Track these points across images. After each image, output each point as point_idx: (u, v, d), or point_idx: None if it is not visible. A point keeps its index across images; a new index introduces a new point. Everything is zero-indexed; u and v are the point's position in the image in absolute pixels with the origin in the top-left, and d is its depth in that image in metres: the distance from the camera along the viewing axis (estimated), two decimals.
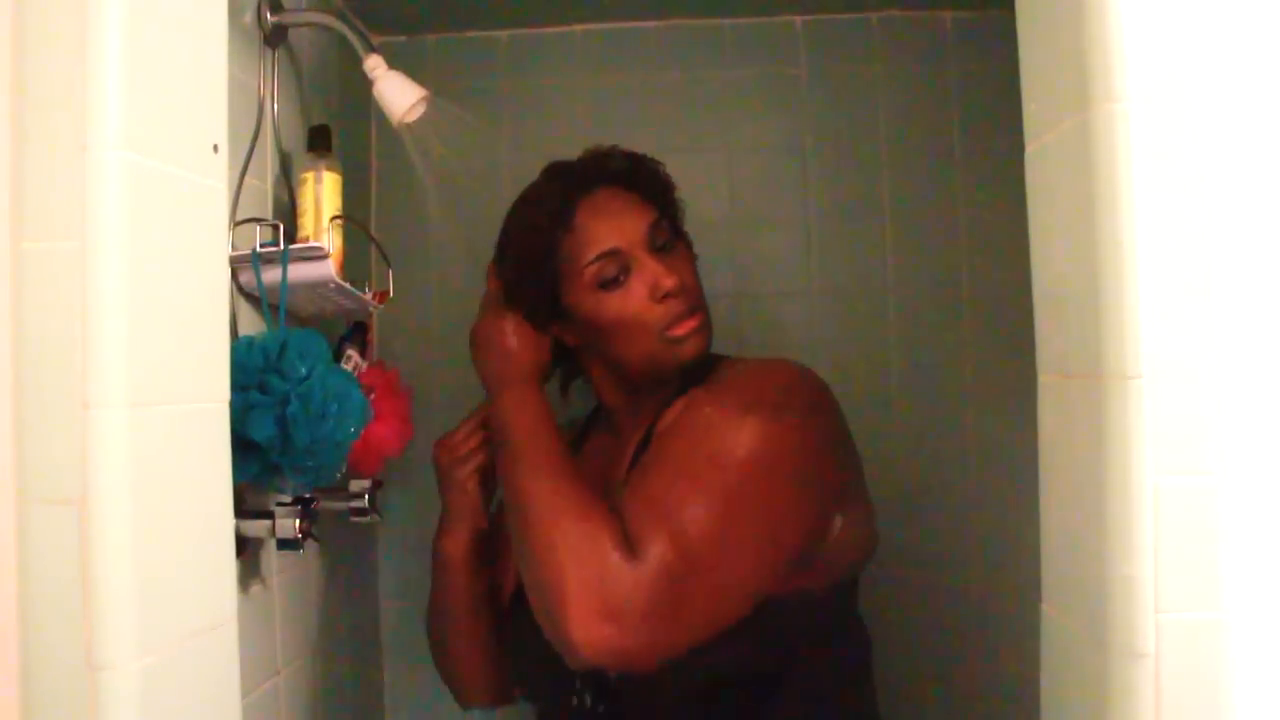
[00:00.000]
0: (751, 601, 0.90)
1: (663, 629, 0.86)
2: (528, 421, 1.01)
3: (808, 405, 0.97)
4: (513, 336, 1.07)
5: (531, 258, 1.06)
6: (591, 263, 1.02)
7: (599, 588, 0.85)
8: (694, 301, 1.02)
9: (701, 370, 1.04)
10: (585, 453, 1.17)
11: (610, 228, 1.03)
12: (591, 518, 0.89)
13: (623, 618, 0.85)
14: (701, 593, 0.87)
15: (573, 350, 1.11)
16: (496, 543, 1.15)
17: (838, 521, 0.97)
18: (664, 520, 0.87)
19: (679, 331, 1.01)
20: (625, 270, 1.02)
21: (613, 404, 1.13)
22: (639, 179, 1.08)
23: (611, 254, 1.02)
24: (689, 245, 1.11)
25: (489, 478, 1.13)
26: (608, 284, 1.02)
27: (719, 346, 1.10)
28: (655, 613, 0.85)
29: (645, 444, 1.02)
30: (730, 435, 0.91)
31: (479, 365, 1.09)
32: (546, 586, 0.89)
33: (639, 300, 1.01)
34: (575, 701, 1.03)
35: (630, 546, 0.86)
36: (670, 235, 1.05)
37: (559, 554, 0.88)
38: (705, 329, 1.03)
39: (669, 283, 1.00)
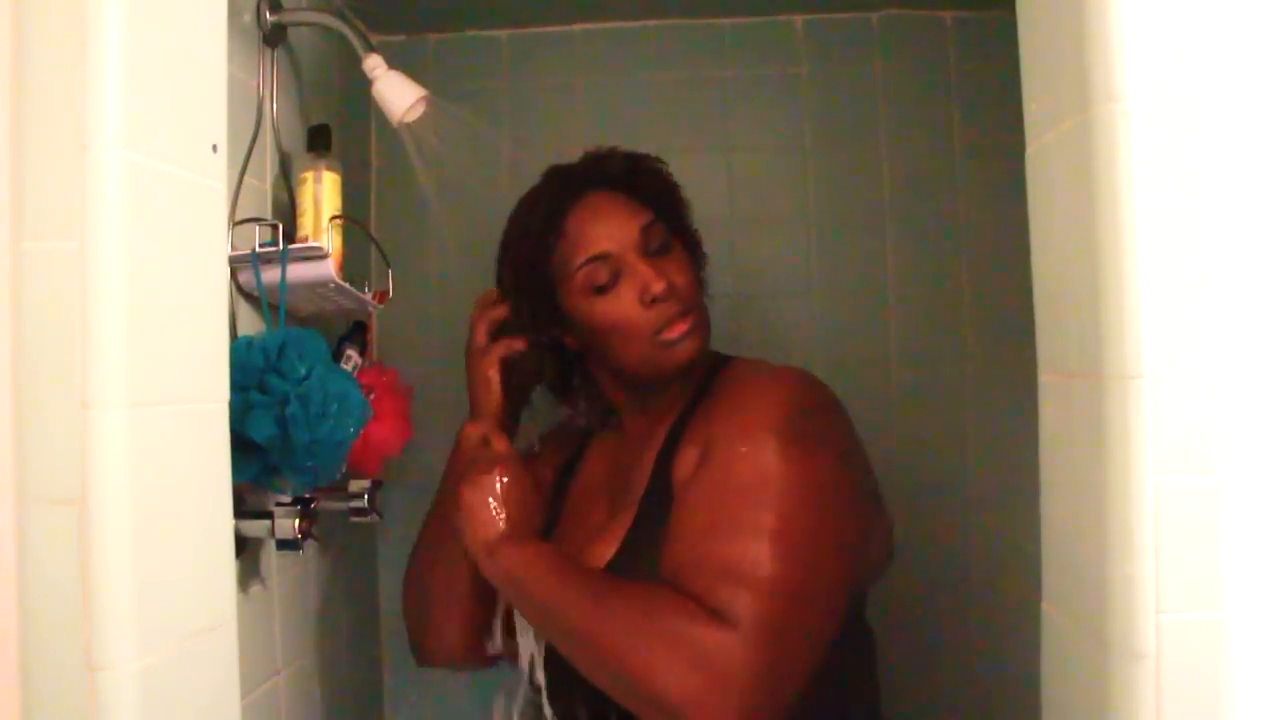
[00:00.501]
0: (840, 617, 0.90)
1: (778, 681, 0.84)
2: (549, 564, 0.97)
3: (827, 424, 0.97)
4: (515, 498, 1.02)
5: (527, 262, 1.07)
6: (581, 267, 1.02)
7: (707, 669, 0.82)
8: (686, 304, 1.02)
9: (709, 372, 1.04)
10: (590, 457, 1.16)
11: (600, 232, 1.03)
12: (663, 610, 0.86)
13: (741, 686, 0.82)
14: (798, 636, 0.86)
15: (575, 352, 1.11)
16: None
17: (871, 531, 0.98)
18: (736, 578, 0.85)
19: (671, 335, 1.01)
20: (616, 275, 1.02)
21: (619, 403, 1.13)
22: (635, 181, 1.08)
23: (601, 258, 1.02)
24: (694, 245, 1.11)
25: (507, 367, 1.12)
26: (599, 288, 1.02)
27: (719, 346, 1.11)
28: (767, 670, 0.83)
29: (661, 462, 1.01)
30: (768, 477, 0.90)
31: (470, 530, 1.01)
32: (656, 694, 0.84)
33: (629, 304, 1.01)
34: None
35: (711, 614, 0.84)
36: (665, 237, 1.05)
37: (653, 658, 0.85)
38: (698, 330, 1.02)
39: (658, 287, 1.00)
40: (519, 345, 1.11)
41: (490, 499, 1.01)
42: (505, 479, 1.02)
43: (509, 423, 1.15)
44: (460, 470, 1.07)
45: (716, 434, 0.96)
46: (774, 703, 0.84)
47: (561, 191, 1.07)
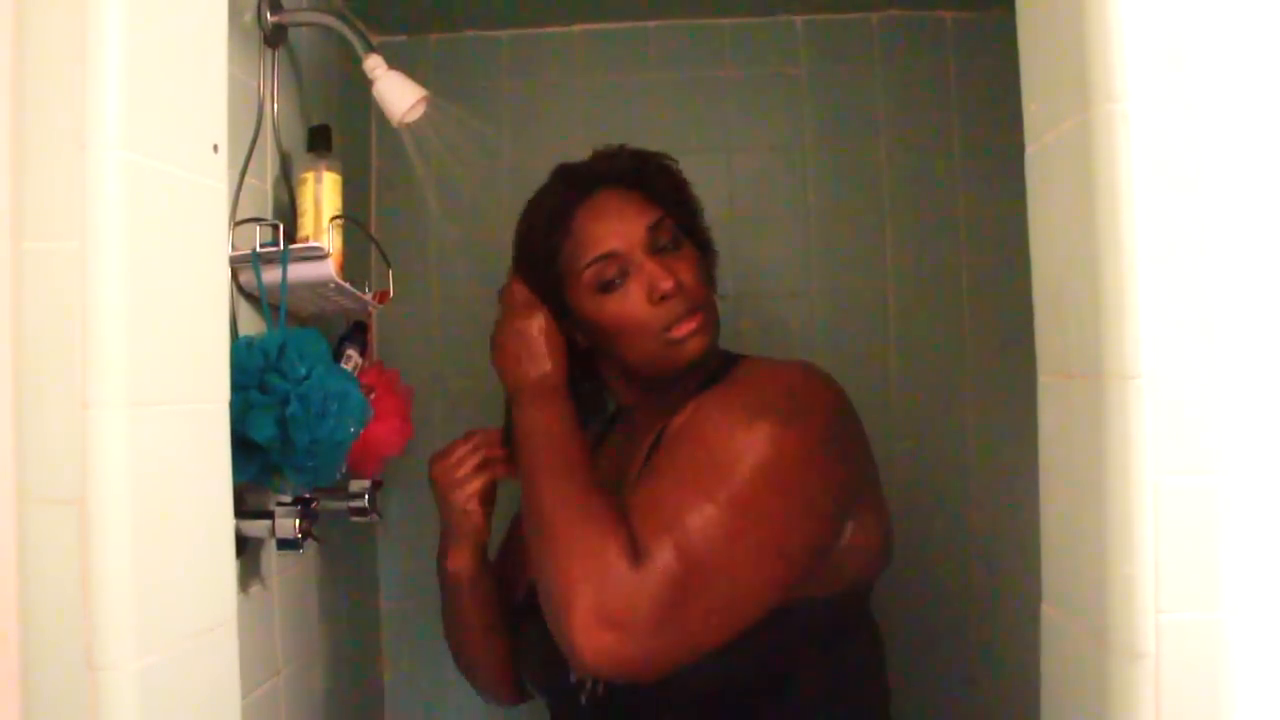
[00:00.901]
0: (758, 612, 0.89)
1: (665, 639, 0.85)
2: (550, 427, 1.00)
3: (817, 409, 0.96)
4: (541, 342, 1.05)
5: (535, 261, 1.07)
6: (589, 265, 1.02)
7: (603, 595, 0.84)
8: (694, 302, 1.02)
9: (718, 369, 1.04)
10: (604, 452, 1.17)
11: (608, 230, 1.03)
12: (601, 524, 0.89)
13: (625, 626, 0.84)
14: (706, 603, 0.86)
15: (585, 351, 1.11)
16: (511, 544, 1.15)
17: (849, 527, 0.96)
18: (669, 528, 0.86)
19: (678, 333, 1.01)
20: (624, 273, 1.02)
21: (629, 401, 1.13)
22: (643, 179, 1.08)
23: (609, 256, 1.02)
24: (703, 244, 1.11)
25: (490, 497, 1.13)
26: (606, 286, 1.02)
27: (722, 345, 1.10)
28: (659, 623, 0.84)
29: (657, 444, 1.02)
30: (738, 442, 0.90)
31: (502, 370, 1.06)
32: (554, 591, 0.88)
33: (637, 302, 1.01)
34: (584, 699, 1.03)
35: (635, 553, 0.86)
36: (674, 235, 1.05)
37: (568, 560, 0.88)
38: (706, 329, 1.02)
39: (665, 285, 1.00)
40: (500, 473, 1.13)
41: (523, 343, 1.05)
42: (537, 323, 1.06)
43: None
44: (501, 316, 1.09)
45: (705, 402, 0.97)
46: (655, 656, 0.85)
47: (569, 190, 1.07)
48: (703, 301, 1.03)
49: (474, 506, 1.11)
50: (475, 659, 1.17)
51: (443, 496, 1.12)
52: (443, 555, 1.14)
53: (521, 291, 1.08)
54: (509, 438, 1.09)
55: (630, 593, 0.84)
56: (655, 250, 1.03)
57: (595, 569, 0.86)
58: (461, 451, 1.12)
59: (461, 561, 1.12)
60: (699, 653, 0.86)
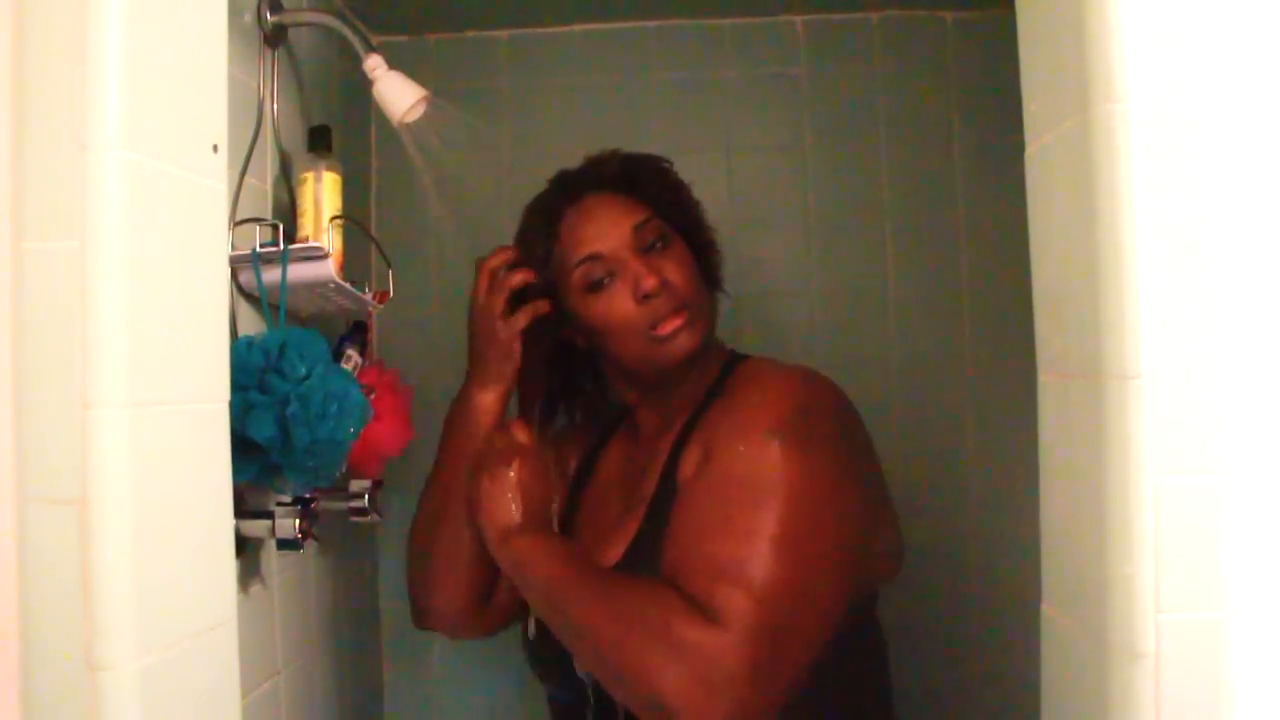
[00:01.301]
0: (835, 624, 0.90)
1: (765, 683, 0.84)
2: (555, 554, 0.99)
3: (831, 425, 0.97)
4: (539, 492, 1.04)
5: (532, 265, 1.09)
6: (576, 266, 1.04)
7: (698, 668, 0.83)
8: (681, 300, 1.02)
9: (722, 371, 1.04)
10: (609, 453, 1.16)
11: (593, 232, 1.04)
12: (657, 603, 0.87)
13: (727, 686, 0.83)
14: (791, 638, 0.86)
15: (586, 353, 1.11)
16: None
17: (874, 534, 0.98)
18: (732, 579, 0.86)
19: (663, 330, 1.01)
20: (611, 273, 1.03)
21: (632, 401, 1.13)
22: (633, 181, 1.09)
23: (594, 258, 1.03)
24: (703, 244, 1.11)
25: (527, 341, 1.10)
26: (594, 287, 1.03)
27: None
28: (758, 672, 0.84)
29: (673, 463, 1.01)
30: (768, 476, 0.90)
31: (485, 518, 1.04)
32: (646, 690, 0.86)
33: (623, 302, 1.02)
34: (590, 695, 1.03)
35: (705, 614, 0.85)
36: (661, 235, 1.05)
37: (645, 654, 0.85)
38: (691, 326, 1.02)
39: (648, 283, 1.00)
40: (544, 308, 1.09)
41: (507, 490, 1.03)
42: (524, 471, 1.04)
43: (537, 412, 1.15)
44: (480, 457, 1.07)
45: (718, 433, 0.96)
46: (764, 704, 0.84)
47: (557, 196, 1.09)
48: (690, 299, 1.03)
49: (518, 346, 1.09)
50: (444, 543, 1.11)
51: (489, 331, 1.08)
52: (466, 395, 1.11)
53: (523, 434, 1.07)
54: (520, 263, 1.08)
55: (723, 656, 0.83)
56: (642, 250, 1.03)
57: (677, 647, 0.84)
58: (497, 290, 1.08)
59: (494, 397, 1.09)
60: (787, 694, 0.86)
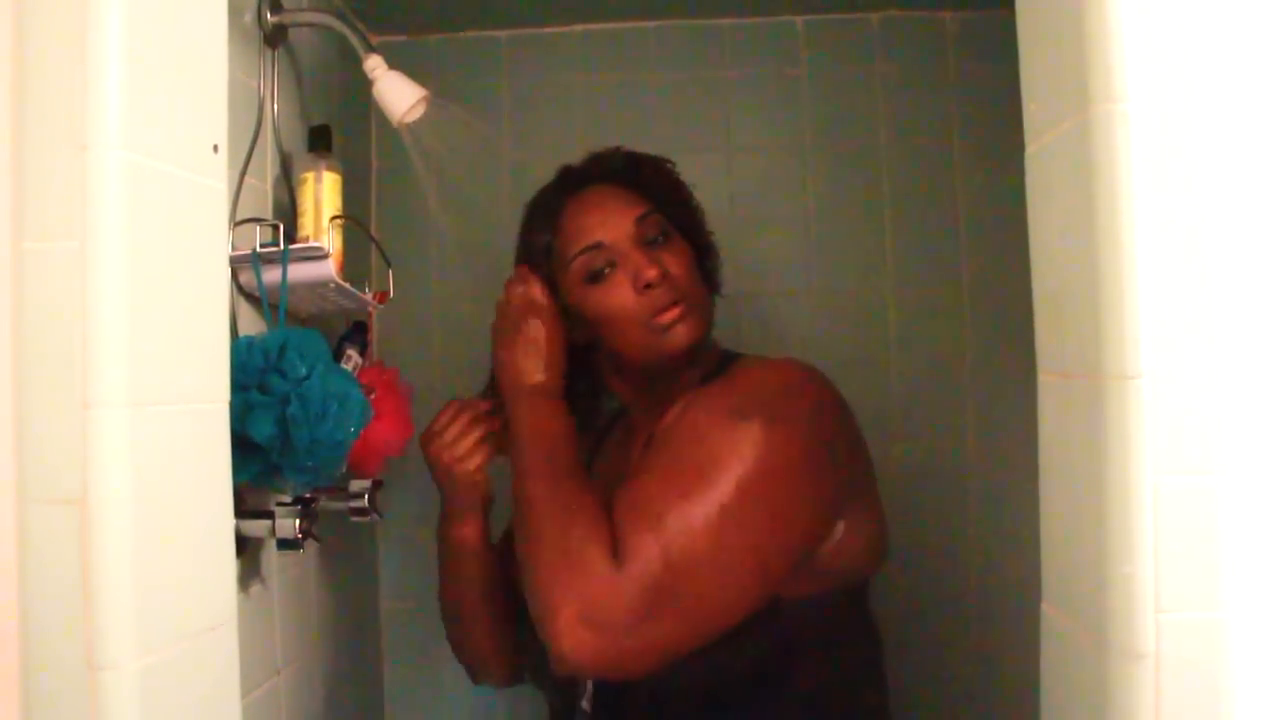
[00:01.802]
0: (733, 618, 0.89)
1: (643, 640, 0.85)
2: (543, 428, 1.01)
3: (806, 408, 0.96)
4: (544, 345, 1.06)
5: (532, 259, 1.09)
6: (577, 257, 1.04)
7: (584, 595, 0.85)
8: (680, 292, 1.02)
9: (715, 368, 1.04)
10: (603, 452, 1.17)
11: (594, 222, 1.05)
12: (586, 525, 0.89)
13: (604, 627, 0.85)
14: (684, 605, 0.86)
15: (583, 348, 1.12)
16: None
17: (839, 527, 0.96)
18: (651, 528, 0.87)
19: (662, 320, 1.01)
20: (611, 264, 1.03)
21: (628, 400, 1.13)
22: (635, 175, 1.09)
23: (595, 248, 1.03)
24: (702, 244, 1.11)
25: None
26: (594, 277, 1.04)
27: (723, 345, 1.11)
28: (636, 623, 0.85)
29: (650, 441, 1.02)
30: (723, 442, 0.91)
31: (501, 364, 1.08)
32: (539, 589, 0.89)
33: (623, 292, 1.02)
34: (583, 698, 1.03)
35: (617, 553, 0.86)
36: (662, 229, 1.05)
37: (552, 559, 0.89)
38: (691, 317, 1.02)
39: (649, 274, 1.00)
40: (487, 455, 1.12)
41: (523, 346, 1.06)
42: (540, 327, 1.07)
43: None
44: (500, 315, 1.10)
45: (693, 401, 0.97)
46: (635, 656, 0.86)
47: (559, 188, 1.10)
48: (689, 293, 1.03)
49: (482, 478, 1.12)
50: (472, 633, 1.17)
51: (446, 472, 1.12)
52: (446, 526, 1.14)
53: (536, 289, 1.08)
54: (497, 409, 1.10)
55: (609, 594, 0.85)
56: (643, 242, 1.04)
57: (578, 570, 0.86)
58: (457, 428, 1.12)
59: (470, 530, 1.13)
60: (672, 655, 0.87)
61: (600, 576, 0.86)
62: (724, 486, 0.88)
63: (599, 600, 0.85)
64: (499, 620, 1.15)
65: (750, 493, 0.89)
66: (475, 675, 1.23)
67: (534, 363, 1.06)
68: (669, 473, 0.91)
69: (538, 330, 1.06)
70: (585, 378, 1.15)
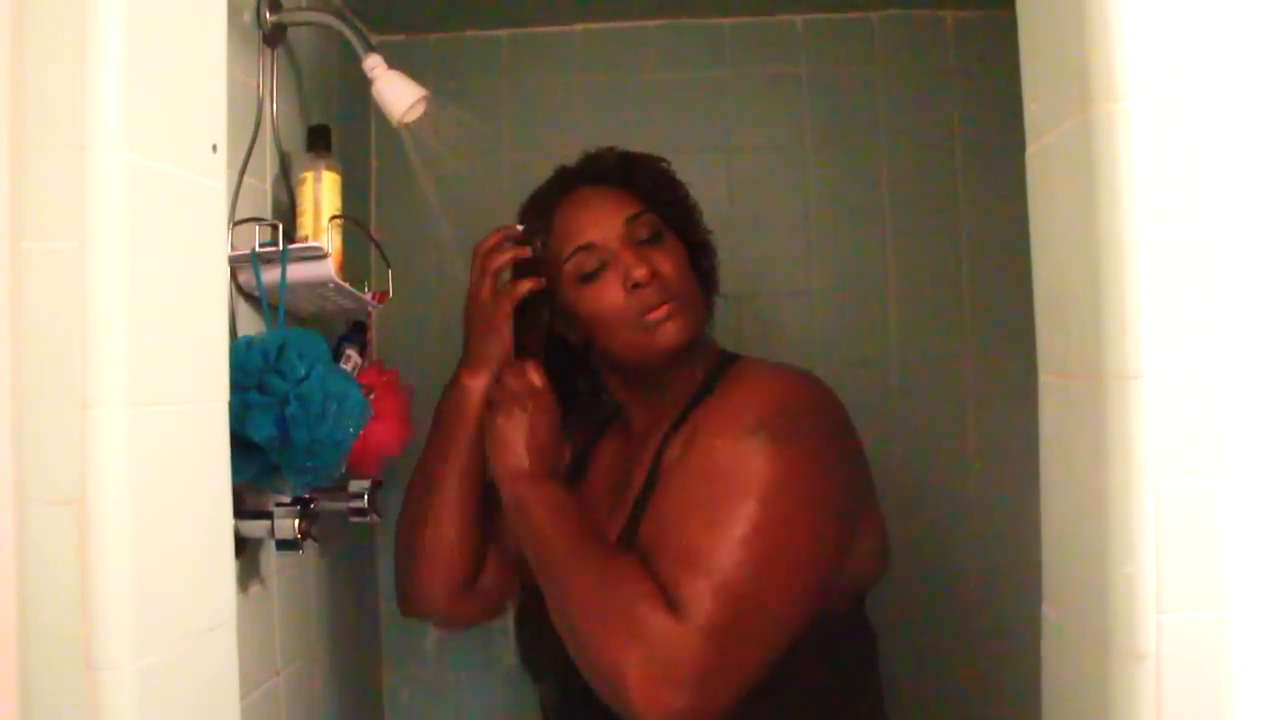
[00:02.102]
0: (799, 628, 0.90)
1: (722, 681, 0.85)
2: (558, 504, 1.01)
3: (816, 424, 0.97)
4: (549, 437, 1.06)
5: (525, 260, 1.09)
6: (570, 257, 1.04)
7: (653, 655, 0.84)
8: (670, 292, 1.02)
9: (713, 372, 1.04)
10: (599, 452, 1.16)
11: (585, 222, 1.05)
12: (629, 584, 0.88)
13: (683, 681, 0.83)
14: (750, 639, 0.87)
15: (580, 349, 1.11)
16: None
17: (855, 538, 0.97)
18: (702, 573, 0.86)
19: (651, 318, 1.01)
20: (603, 264, 1.03)
21: (625, 401, 1.13)
22: (628, 175, 1.09)
23: (586, 248, 1.04)
24: (697, 244, 1.11)
25: (518, 323, 1.11)
26: (586, 277, 1.04)
27: (721, 345, 1.10)
28: (713, 668, 0.84)
29: (659, 460, 1.01)
30: (748, 469, 0.90)
31: (496, 452, 1.06)
32: (600, 663, 0.88)
33: (613, 291, 1.02)
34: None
35: (673, 605, 0.86)
36: (654, 229, 1.05)
37: (605, 627, 0.87)
38: (681, 316, 1.02)
39: (639, 272, 1.00)
40: (532, 285, 1.09)
41: (519, 431, 1.05)
42: (537, 413, 1.06)
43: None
44: (497, 399, 1.08)
45: (700, 425, 0.97)
46: (716, 700, 0.85)
47: (552, 189, 1.10)
48: (680, 292, 1.03)
49: (507, 330, 1.10)
50: (432, 523, 1.11)
51: (475, 316, 1.11)
52: (457, 374, 1.12)
53: (535, 376, 1.07)
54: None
55: (679, 647, 0.84)
56: (634, 242, 1.04)
57: (637, 631, 0.85)
58: (485, 270, 1.10)
59: (479, 382, 1.10)
60: (750, 687, 0.87)
61: (664, 632, 0.84)
62: (760, 514, 0.88)
63: (670, 657, 0.84)
64: (467, 510, 1.11)
65: (783, 514, 0.89)
66: (410, 589, 1.14)
67: (529, 450, 1.04)
68: (701, 511, 0.90)
69: (534, 419, 1.05)
70: (584, 377, 1.15)
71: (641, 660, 0.84)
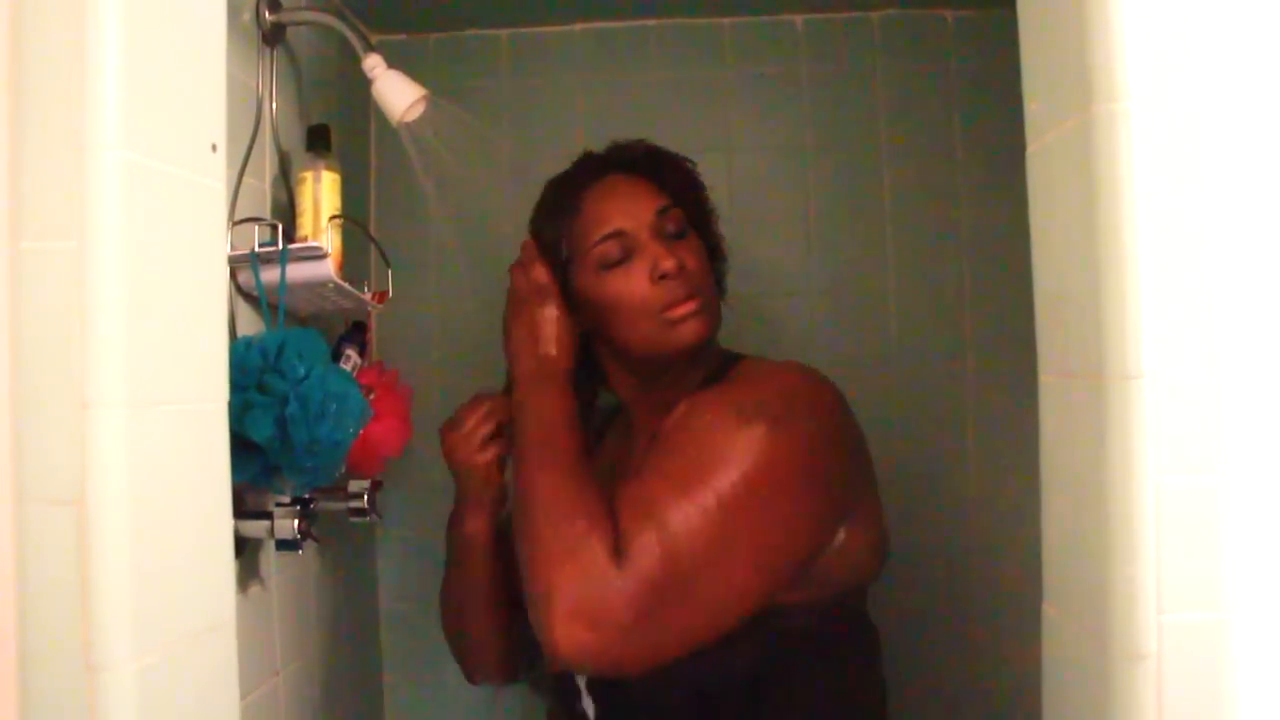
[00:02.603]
0: (739, 617, 0.88)
1: (642, 639, 0.85)
2: (549, 418, 1.01)
3: (810, 412, 0.96)
4: (553, 328, 1.06)
5: (544, 239, 1.09)
6: (597, 243, 1.04)
7: (582, 591, 0.85)
8: (695, 288, 1.02)
9: (718, 369, 1.04)
10: (601, 450, 1.17)
11: (616, 209, 1.04)
12: (588, 519, 0.88)
13: (602, 625, 0.84)
14: (685, 606, 0.86)
15: (585, 338, 1.11)
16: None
17: (841, 532, 0.95)
18: (654, 526, 0.86)
19: (676, 313, 1.01)
20: (629, 252, 1.03)
21: (627, 397, 1.13)
22: (656, 168, 1.09)
23: (616, 235, 1.03)
24: (713, 245, 1.11)
25: (505, 464, 1.12)
26: (611, 264, 1.03)
27: (723, 346, 1.10)
28: (635, 622, 0.84)
29: (654, 440, 1.01)
30: (727, 442, 0.90)
31: (511, 353, 1.08)
32: (535, 584, 0.88)
33: (639, 281, 1.02)
34: (578, 699, 1.03)
35: (620, 551, 0.86)
36: (681, 225, 1.06)
37: (551, 551, 0.88)
38: (704, 314, 1.02)
39: (667, 264, 1.00)
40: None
41: (531, 332, 1.07)
42: (546, 311, 1.07)
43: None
44: (508, 302, 1.10)
45: (698, 400, 0.97)
46: (634, 654, 0.85)
47: (581, 173, 1.10)
48: (704, 288, 1.03)
49: (495, 474, 1.12)
50: (474, 630, 1.16)
51: (461, 464, 1.11)
52: (458, 520, 1.14)
53: (542, 274, 1.08)
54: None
55: (608, 592, 0.84)
56: (662, 234, 1.04)
57: (577, 564, 0.86)
58: (475, 419, 1.11)
59: (479, 525, 1.12)
60: (671, 655, 0.86)
61: (601, 573, 0.85)
62: (728, 486, 0.88)
63: (599, 597, 0.84)
64: (501, 614, 1.15)
65: (754, 493, 0.89)
66: (472, 673, 1.22)
67: (539, 344, 1.06)
68: (673, 472, 0.90)
69: (544, 312, 1.07)
70: (585, 369, 1.15)
71: (572, 593, 0.85)
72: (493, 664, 1.19)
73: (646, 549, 0.85)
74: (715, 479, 0.88)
